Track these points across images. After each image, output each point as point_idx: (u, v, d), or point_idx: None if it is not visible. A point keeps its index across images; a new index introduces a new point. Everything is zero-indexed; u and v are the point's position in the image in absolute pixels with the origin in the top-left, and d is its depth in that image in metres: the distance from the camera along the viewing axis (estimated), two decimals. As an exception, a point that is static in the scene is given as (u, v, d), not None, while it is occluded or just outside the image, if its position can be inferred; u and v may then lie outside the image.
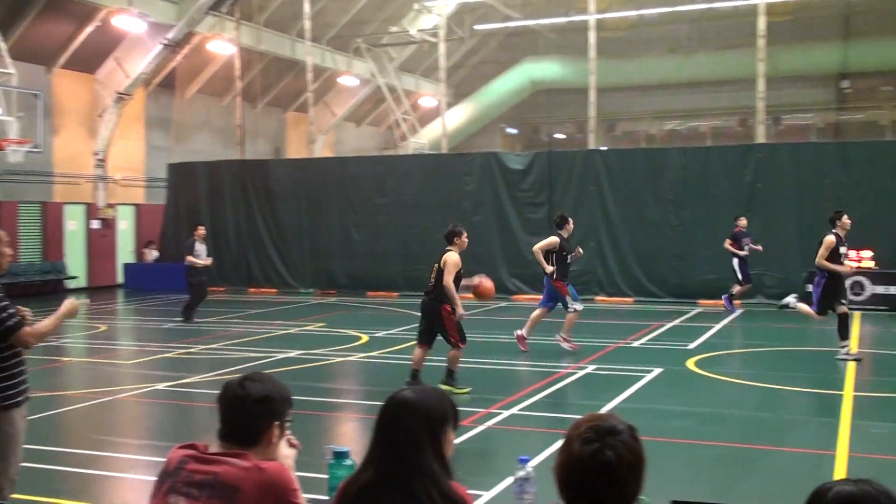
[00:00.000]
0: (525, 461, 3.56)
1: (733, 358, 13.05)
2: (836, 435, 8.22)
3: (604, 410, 8.84)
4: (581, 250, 14.05)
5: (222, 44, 26.98)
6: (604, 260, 20.44)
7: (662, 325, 16.15)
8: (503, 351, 13.35)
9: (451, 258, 10.01)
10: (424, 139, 33.38)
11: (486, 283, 10.76)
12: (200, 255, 17.22)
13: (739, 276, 17.80)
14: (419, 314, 10.54)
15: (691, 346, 13.68)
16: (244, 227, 23.95)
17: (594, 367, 12.00)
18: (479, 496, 6.46)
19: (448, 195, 21.74)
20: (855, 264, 17.35)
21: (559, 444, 2.34)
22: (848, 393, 10.19)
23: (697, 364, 12.11)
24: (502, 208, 21.26)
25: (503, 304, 20.19)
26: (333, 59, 31.88)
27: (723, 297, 18.04)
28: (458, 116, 35.77)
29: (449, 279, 9.89)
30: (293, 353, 13.28)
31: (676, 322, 16.71)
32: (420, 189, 22.14)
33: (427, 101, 36.50)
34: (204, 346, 14.26)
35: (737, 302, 18.22)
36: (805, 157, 19.31)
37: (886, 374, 11.97)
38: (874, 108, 34.80)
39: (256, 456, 2.81)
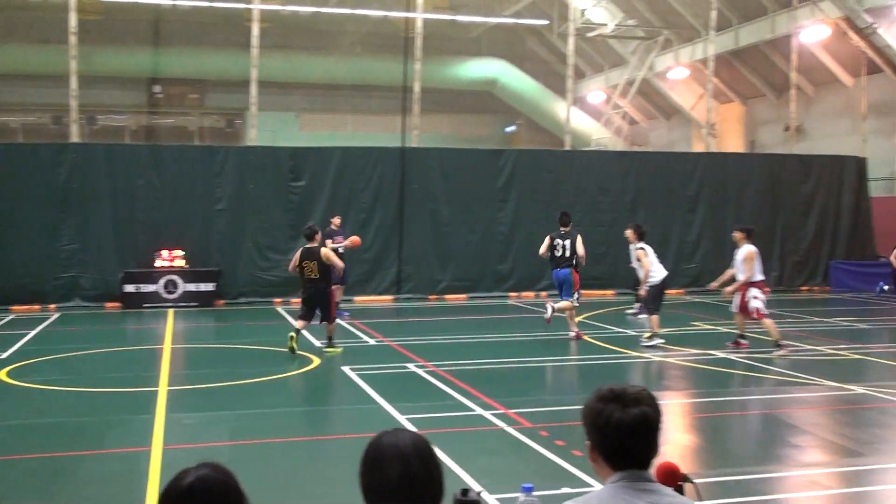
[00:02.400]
0: None
1: (51, 364, 12.69)
2: (151, 430, 8.57)
3: None
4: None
5: None
6: None
7: (-30, 335, 15.00)
8: None
9: (328, 252, 13.31)
10: None
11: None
12: None
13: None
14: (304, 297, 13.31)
15: (4, 355, 12.97)
16: None
17: None
18: None
19: None
20: (168, 263, 18.22)
21: None
22: (163, 388, 10.69)
23: (10, 374, 11.54)
24: None
25: None
26: None
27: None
28: None
29: (338, 264, 13.52)
30: None
31: (-13, 330, 15.68)
32: None
33: None
34: None
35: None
36: (120, 158, 19.58)
37: (197, 367, 12.83)
38: (183, 113, 36.75)
39: None
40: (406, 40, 22.69)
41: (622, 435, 2.47)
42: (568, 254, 14.13)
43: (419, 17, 23.03)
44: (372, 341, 14.46)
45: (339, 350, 13.25)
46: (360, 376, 11.32)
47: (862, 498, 6.86)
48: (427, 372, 11.65)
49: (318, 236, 13.37)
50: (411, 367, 12.08)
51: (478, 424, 8.85)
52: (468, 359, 12.84)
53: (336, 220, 18.38)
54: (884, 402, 9.92)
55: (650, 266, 13.95)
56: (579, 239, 14.14)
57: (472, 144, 33.45)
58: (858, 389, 10.53)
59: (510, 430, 8.54)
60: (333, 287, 19.19)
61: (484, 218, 21.20)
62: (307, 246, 13.14)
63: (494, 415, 9.13)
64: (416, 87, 22.18)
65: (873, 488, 7.12)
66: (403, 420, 8.69)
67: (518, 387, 10.89)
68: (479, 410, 9.36)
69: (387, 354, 13.24)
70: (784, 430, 8.88)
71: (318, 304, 13.26)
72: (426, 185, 20.95)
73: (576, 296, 14.31)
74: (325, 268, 13.03)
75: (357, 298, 19.88)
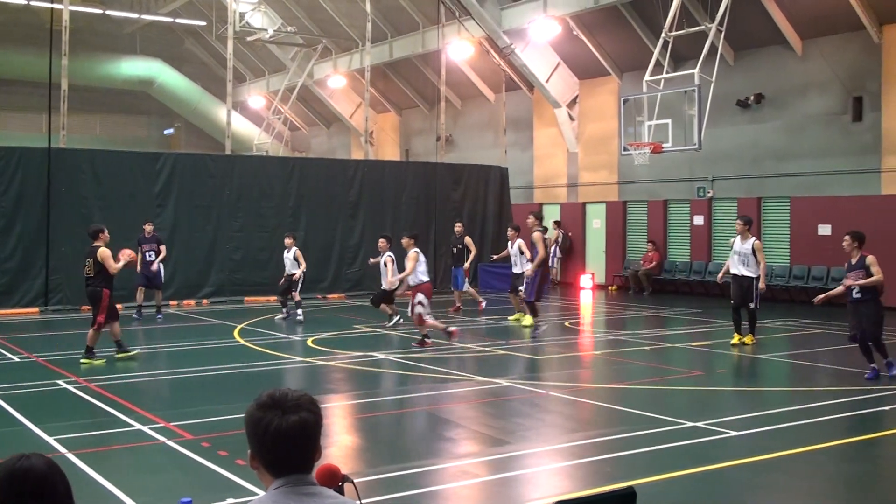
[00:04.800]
0: None
1: None
2: None
3: None
4: None
5: None
6: None
7: None
8: None
9: (105, 252, 12.46)
10: None
11: None
12: None
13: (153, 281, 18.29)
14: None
15: None
16: None
17: None
18: None
19: None
20: None
21: None
22: None
23: None
24: None
25: None
26: None
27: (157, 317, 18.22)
28: None
29: (112, 266, 12.40)
30: None
31: None
32: None
33: None
34: None
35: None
36: None
37: None
38: None
39: None
40: (52, 33, 21.14)
41: (282, 442, 2.48)
42: (462, 254, 19.82)
43: (65, 8, 21.54)
44: (16, 358, 13.33)
45: (96, 362, 12.56)
46: (2, 397, 10.40)
47: (507, 482, 7.47)
48: (79, 388, 10.96)
49: (103, 235, 12.76)
50: (62, 383, 11.30)
51: (137, 440, 8.48)
52: (125, 372, 12.27)
53: (148, 227, 18.39)
54: (525, 393, 10.85)
55: (388, 275, 16.10)
56: (468, 239, 20.10)
57: (128, 146, 31.97)
58: (503, 382, 11.44)
59: (171, 443, 8.29)
60: (157, 290, 18.15)
61: (140, 223, 20.27)
62: (92, 244, 12.77)
63: (154, 429, 8.80)
64: (64, 84, 20.71)
65: (517, 473, 7.77)
66: (52, 441, 8.09)
67: (178, 398, 10.59)
68: (137, 425, 8.98)
69: (33, 371, 12.27)
70: (439, 425, 9.43)
71: (91, 305, 12.81)
72: (76, 189, 19.68)
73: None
74: (102, 267, 12.52)
75: (-3, 312, 18.22)
